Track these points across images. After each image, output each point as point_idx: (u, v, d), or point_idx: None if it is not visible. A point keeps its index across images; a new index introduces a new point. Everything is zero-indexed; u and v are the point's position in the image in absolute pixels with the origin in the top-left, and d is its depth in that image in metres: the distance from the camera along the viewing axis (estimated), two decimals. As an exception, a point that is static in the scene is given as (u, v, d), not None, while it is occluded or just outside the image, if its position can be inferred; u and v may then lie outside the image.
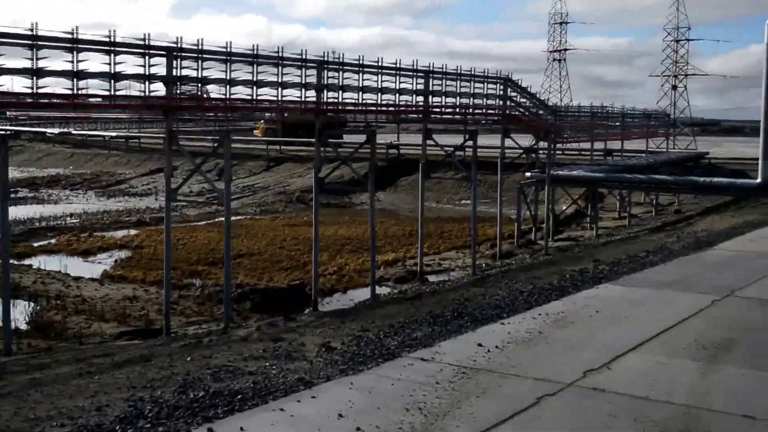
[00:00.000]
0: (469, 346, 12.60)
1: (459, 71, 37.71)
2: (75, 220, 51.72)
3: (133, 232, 47.02)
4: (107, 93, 21.79)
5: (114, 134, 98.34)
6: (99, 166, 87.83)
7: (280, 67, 27.38)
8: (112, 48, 21.56)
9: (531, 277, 19.91)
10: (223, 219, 51.77)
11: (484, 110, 40.37)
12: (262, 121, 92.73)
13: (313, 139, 27.84)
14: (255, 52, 26.19)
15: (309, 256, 38.61)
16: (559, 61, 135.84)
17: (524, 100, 44.14)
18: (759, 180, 37.02)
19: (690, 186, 40.06)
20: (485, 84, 39.78)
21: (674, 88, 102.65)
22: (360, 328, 14.58)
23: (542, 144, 44.51)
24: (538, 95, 48.05)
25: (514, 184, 46.09)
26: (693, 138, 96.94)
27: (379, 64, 32.71)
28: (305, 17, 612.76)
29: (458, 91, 37.64)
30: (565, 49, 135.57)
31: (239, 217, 53.82)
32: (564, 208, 51.74)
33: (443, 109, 37.66)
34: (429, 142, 35.35)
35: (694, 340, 13.03)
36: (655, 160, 56.52)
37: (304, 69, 28.04)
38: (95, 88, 22.11)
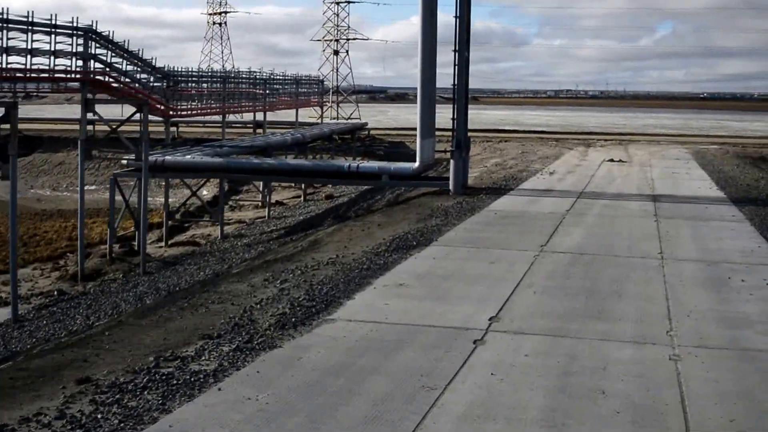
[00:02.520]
0: None
1: (5, 17, 26.52)
2: None
3: None
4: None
5: None
6: None
7: None
8: None
9: None
10: None
11: (50, 73, 28.89)
12: None
13: None
14: None
15: None
16: (220, 24, 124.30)
17: (119, 60, 33.05)
18: (417, 165, 28.61)
19: (334, 174, 30.85)
20: (53, 37, 28.77)
21: (336, 53, 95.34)
22: None
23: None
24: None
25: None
26: (356, 106, 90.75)
27: None
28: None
29: (5, 45, 26.84)
30: (225, 12, 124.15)
31: None
32: (200, 195, 41.35)
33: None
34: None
35: None
36: (304, 135, 47.61)
37: None
38: None
